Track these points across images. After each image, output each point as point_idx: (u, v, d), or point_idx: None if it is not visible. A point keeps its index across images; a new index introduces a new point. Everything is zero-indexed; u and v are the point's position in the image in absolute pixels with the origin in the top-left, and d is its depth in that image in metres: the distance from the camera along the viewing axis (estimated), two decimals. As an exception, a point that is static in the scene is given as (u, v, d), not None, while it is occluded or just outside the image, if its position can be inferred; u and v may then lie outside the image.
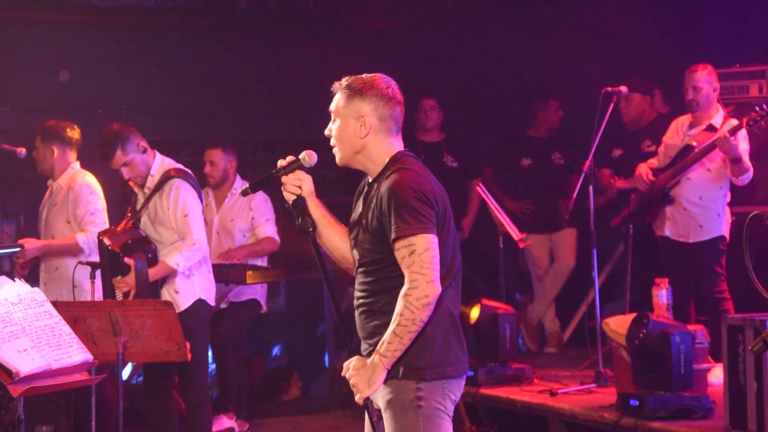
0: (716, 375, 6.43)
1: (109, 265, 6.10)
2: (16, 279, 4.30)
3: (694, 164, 7.02)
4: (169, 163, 6.35)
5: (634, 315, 6.38)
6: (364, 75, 3.88)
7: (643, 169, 7.31)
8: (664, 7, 9.81)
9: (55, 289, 6.63)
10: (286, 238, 7.94)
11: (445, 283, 3.75)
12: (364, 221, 3.81)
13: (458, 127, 9.29)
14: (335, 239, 3.94)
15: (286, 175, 3.86)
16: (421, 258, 3.64)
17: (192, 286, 6.21)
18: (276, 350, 10.10)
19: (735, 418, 5.57)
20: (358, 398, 3.74)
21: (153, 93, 9.20)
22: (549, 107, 8.91)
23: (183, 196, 6.14)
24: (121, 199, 8.40)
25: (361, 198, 3.90)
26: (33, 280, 6.41)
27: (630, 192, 7.60)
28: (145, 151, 6.25)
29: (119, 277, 6.02)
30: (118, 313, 5.47)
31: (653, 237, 7.40)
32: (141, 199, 6.31)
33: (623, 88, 7.35)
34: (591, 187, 7.22)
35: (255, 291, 7.71)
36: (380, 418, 3.77)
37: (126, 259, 5.99)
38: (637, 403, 6.04)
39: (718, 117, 7.08)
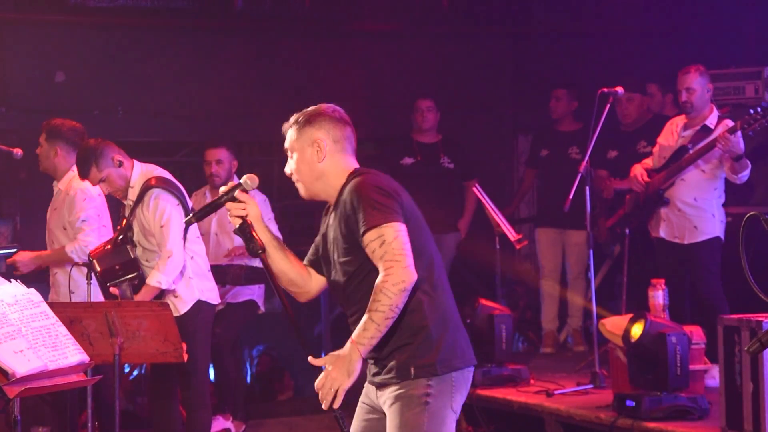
0: (712, 376, 6.44)
1: (100, 287, 6.14)
2: (12, 280, 4.29)
3: (689, 166, 7.03)
4: (149, 171, 6.26)
5: (630, 316, 6.39)
6: (308, 108, 3.97)
7: (638, 170, 7.31)
8: (660, 8, 9.82)
9: (55, 292, 6.66)
10: (283, 239, 7.91)
11: (433, 277, 3.82)
12: (335, 236, 3.88)
13: (455, 128, 9.29)
14: (283, 263, 3.99)
15: (231, 201, 3.88)
16: (392, 246, 3.69)
17: (191, 289, 6.19)
18: (270, 351, 10.09)
19: (731, 418, 5.58)
20: (340, 390, 3.75)
21: (149, 94, 9.20)
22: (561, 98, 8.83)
23: (161, 206, 6.07)
24: (118, 203, 8.39)
25: (327, 223, 3.97)
26: (30, 281, 6.40)
27: (626, 193, 7.60)
28: (121, 164, 6.17)
29: None
30: (114, 314, 5.46)
31: (649, 238, 7.41)
32: (127, 211, 6.28)
33: (619, 89, 7.33)
34: (587, 189, 7.22)
35: (252, 292, 7.71)
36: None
37: (111, 290, 6.00)
38: (634, 403, 6.05)
39: (712, 118, 7.09)
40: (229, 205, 3.89)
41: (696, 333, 6.39)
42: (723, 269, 7.09)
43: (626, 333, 6.22)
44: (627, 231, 7.66)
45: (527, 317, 9.37)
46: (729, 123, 6.90)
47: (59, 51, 9.00)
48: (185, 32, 9.41)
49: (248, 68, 9.51)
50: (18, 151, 6.89)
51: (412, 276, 3.68)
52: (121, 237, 6.18)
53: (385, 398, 3.87)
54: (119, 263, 6.11)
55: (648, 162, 7.38)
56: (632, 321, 6.25)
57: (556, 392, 6.93)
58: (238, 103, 9.50)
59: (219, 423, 7.42)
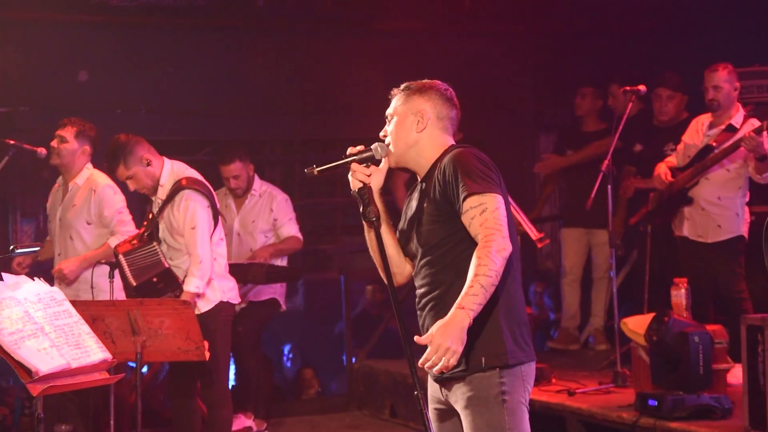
0: (735, 375, 6.40)
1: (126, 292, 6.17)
2: (35, 278, 4.31)
3: (714, 165, 6.99)
4: (180, 170, 6.29)
5: (652, 315, 6.36)
6: (423, 80, 3.97)
7: (662, 169, 7.28)
8: (683, 7, 9.77)
9: (73, 289, 6.66)
10: (305, 238, 7.93)
11: (511, 267, 3.70)
12: (424, 205, 3.79)
13: (476, 126, 9.27)
14: (387, 238, 3.90)
15: (358, 163, 3.83)
16: (494, 215, 3.61)
17: (213, 290, 6.21)
18: (293, 349, 10.11)
19: (754, 418, 5.54)
20: (453, 359, 3.50)
21: (171, 92, 9.23)
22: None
23: (192, 208, 6.10)
24: (141, 199, 8.41)
25: (414, 196, 3.89)
26: (51, 278, 6.43)
27: (649, 191, 7.57)
28: (149, 163, 6.21)
29: None
30: (136, 313, 5.48)
31: (672, 237, 7.37)
32: (155, 208, 6.30)
33: (641, 87, 7.30)
34: (609, 187, 7.20)
35: (274, 290, 7.73)
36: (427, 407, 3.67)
37: None
38: (656, 403, 6.02)
39: (738, 117, 7.04)
40: (354, 166, 3.82)
41: (719, 332, 6.37)
42: (746, 268, 7.06)
43: (649, 330, 6.20)
44: (649, 229, 7.63)
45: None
46: (755, 122, 6.85)
47: (82, 50, 9.03)
48: (207, 31, 9.43)
49: (269, 67, 9.53)
50: (42, 150, 6.93)
51: (510, 247, 3.59)
52: (147, 233, 6.21)
53: (456, 398, 3.76)
54: (155, 274, 6.12)
55: (672, 160, 7.34)
56: (655, 319, 6.22)
57: (577, 391, 6.91)
58: (259, 102, 9.52)
59: (240, 421, 7.44)
